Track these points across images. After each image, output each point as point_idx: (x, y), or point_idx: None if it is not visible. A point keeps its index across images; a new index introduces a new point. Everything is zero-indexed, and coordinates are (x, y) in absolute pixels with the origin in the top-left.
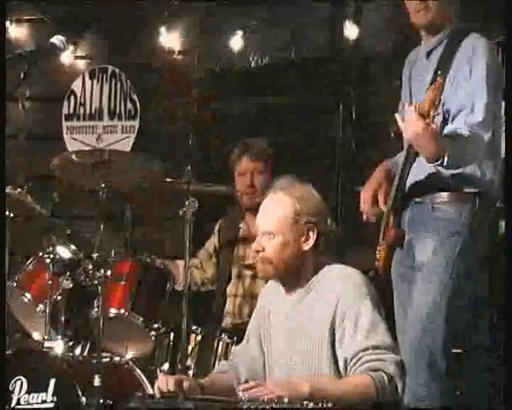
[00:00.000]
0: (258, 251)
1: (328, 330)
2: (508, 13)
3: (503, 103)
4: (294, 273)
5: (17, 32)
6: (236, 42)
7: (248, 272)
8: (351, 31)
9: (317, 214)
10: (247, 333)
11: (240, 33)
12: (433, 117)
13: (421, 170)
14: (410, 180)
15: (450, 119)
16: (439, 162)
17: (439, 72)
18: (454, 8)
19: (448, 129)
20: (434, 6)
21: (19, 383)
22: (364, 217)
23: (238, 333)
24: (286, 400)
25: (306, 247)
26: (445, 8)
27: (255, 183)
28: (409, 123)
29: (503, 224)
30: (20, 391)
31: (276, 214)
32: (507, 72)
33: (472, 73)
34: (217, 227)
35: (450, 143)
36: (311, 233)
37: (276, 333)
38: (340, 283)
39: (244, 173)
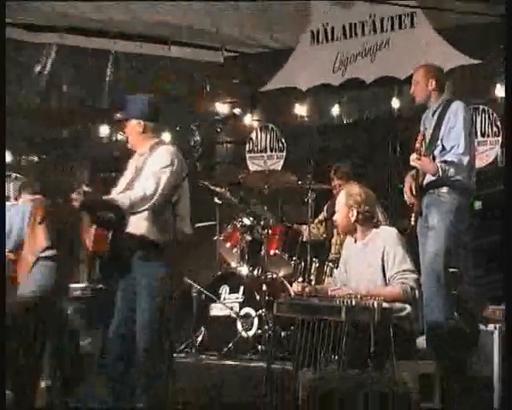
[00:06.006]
0: (336, 222)
1: (380, 261)
2: (508, 13)
3: (504, 103)
4: (355, 232)
5: (219, 106)
6: (335, 110)
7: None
8: (396, 102)
9: (359, 203)
10: (339, 266)
11: (337, 105)
12: (429, 154)
13: (431, 177)
14: (425, 182)
15: (447, 151)
16: (436, 176)
17: (426, 128)
18: (446, 87)
19: (446, 157)
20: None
21: (224, 289)
22: (407, 199)
23: (336, 262)
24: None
25: (352, 219)
26: (441, 89)
27: (340, 187)
28: (417, 162)
29: (477, 203)
30: (224, 293)
31: (340, 204)
32: (507, 72)
33: (456, 124)
34: (325, 207)
35: (443, 164)
36: (354, 212)
37: (352, 264)
38: (385, 236)
39: (335, 183)
